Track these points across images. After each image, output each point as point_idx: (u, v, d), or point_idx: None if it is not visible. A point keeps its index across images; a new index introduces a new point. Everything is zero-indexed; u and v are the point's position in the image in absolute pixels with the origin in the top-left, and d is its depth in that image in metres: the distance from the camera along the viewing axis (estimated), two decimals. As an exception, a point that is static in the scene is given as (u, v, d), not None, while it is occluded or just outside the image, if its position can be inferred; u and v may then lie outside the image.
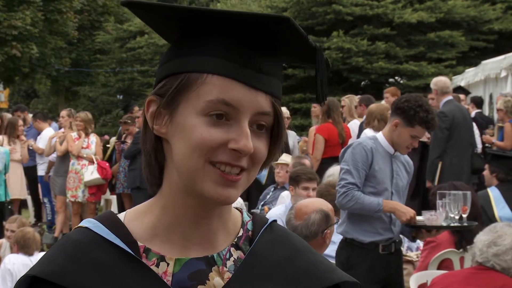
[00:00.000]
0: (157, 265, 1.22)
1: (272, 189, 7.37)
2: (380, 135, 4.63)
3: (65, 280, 1.19)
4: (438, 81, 8.23)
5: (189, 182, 1.20)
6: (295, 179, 6.04)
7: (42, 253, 5.82)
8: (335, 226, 4.76)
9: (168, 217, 1.24)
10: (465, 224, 4.88)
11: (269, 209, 6.60)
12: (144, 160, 1.26)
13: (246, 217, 1.33)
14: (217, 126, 1.17)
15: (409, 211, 4.47)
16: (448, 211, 4.78)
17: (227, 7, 23.51)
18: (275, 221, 1.36)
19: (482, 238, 3.76)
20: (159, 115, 1.22)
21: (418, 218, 4.74)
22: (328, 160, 8.14)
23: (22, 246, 5.76)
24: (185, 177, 1.20)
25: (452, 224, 4.73)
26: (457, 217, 4.83)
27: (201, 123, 1.17)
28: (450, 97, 8.02)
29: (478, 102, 11.38)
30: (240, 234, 1.30)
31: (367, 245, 4.53)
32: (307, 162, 7.16)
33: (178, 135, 1.19)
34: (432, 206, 5.23)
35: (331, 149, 8.44)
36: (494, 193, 5.89)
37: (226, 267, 1.25)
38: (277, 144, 1.24)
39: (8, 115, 12.47)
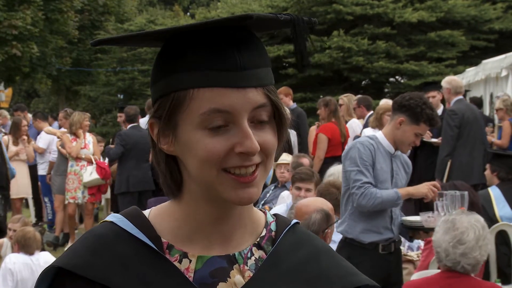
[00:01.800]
0: (180, 261, 1.24)
1: (273, 188, 7.37)
2: (380, 134, 4.61)
3: (88, 272, 1.22)
4: (453, 80, 8.25)
5: (209, 192, 1.22)
6: (292, 179, 6.08)
7: (43, 253, 5.85)
8: (335, 225, 4.78)
9: (190, 223, 1.27)
10: None
11: (270, 208, 6.60)
12: (161, 179, 1.28)
13: (270, 218, 1.35)
14: (219, 134, 1.18)
15: (424, 185, 4.56)
16: (446, 212, 4.78)
17: (228, 6, 23.51)
18: (297, 223, 1.37)
19: (444, 238, 3.56)
20: (164, 135, 1.23)
21: (416, 218, 4.74)
22: (330, 160, 8.15)
23: (23, 246, 5.76)
24: (204, 187, 1.22)
25: None
26: None
27: (202, 136, 1.18)
28: (461, 97, 8.04)
29: (477, 102, 11.37)
30: (263, 234, 1.31)
31: (367, 245, 4.53)
32: (305, 161, 7.16)
33: (186, 152, 1.21)
34: (431, 206, 5.23)
35: (333, 148, 8.46)
36: (494, 192, 5.89)
37: (247, 266, 1.27)
38: (283, 129, 1.24)
39: (4, 112, 12.50)
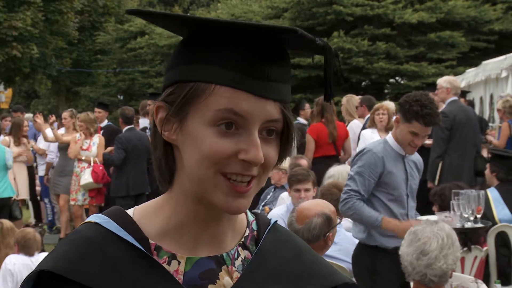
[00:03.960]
0: (169, 263, 1.23)
1: (273, 190, 7.36)
2: (389, 137, 4.56)
3: (78, 276, 1.19)
4: (454, 81, 8.21)
5: (199, 190, 1.20)
6: (289, 181, 6.01)
7: (43, 253, 5.83)
8: (341, 228, 4.75)
9: (179, 219, 1.25)
10: (480, 225, 4.86)
11: (270, 209, 6.59)
12: (154, 164, 1.27)
13: (250, 217, 1.35)
14: (227, 136, 1.16)
15: (406, 229, 4.43)
16: (462, 211, 4.75)
17: (228, 7, 23.51)
18: (276, 221, 1.37)
19: (407, 250, 3.45)
20: (168, 122, 1.21)
21: (433, 218, 4.69)
22: (319, 160, 8.13)
23: (23, 247, 5.74)
24: (196, 185, 1.20)
25: (466, 226, 4.70)
26: (471, 218, 4.81)
27: (210, 133, 1.16)
28: (455, 98, 8.00)
29: (470, 105, 11.35)
30: (247, 234, 1.31)
31: (392, 249, 4.43)
32: (303, 162, 7.14)
33: (187, 144, 1.19)
34: (431, 208, 5.22)
35: (321, 148, 8.40)
36: (493, 194, 5.85)
37: (235, 267, 1.26)
38: (286, 148, 1.24)
39: None
